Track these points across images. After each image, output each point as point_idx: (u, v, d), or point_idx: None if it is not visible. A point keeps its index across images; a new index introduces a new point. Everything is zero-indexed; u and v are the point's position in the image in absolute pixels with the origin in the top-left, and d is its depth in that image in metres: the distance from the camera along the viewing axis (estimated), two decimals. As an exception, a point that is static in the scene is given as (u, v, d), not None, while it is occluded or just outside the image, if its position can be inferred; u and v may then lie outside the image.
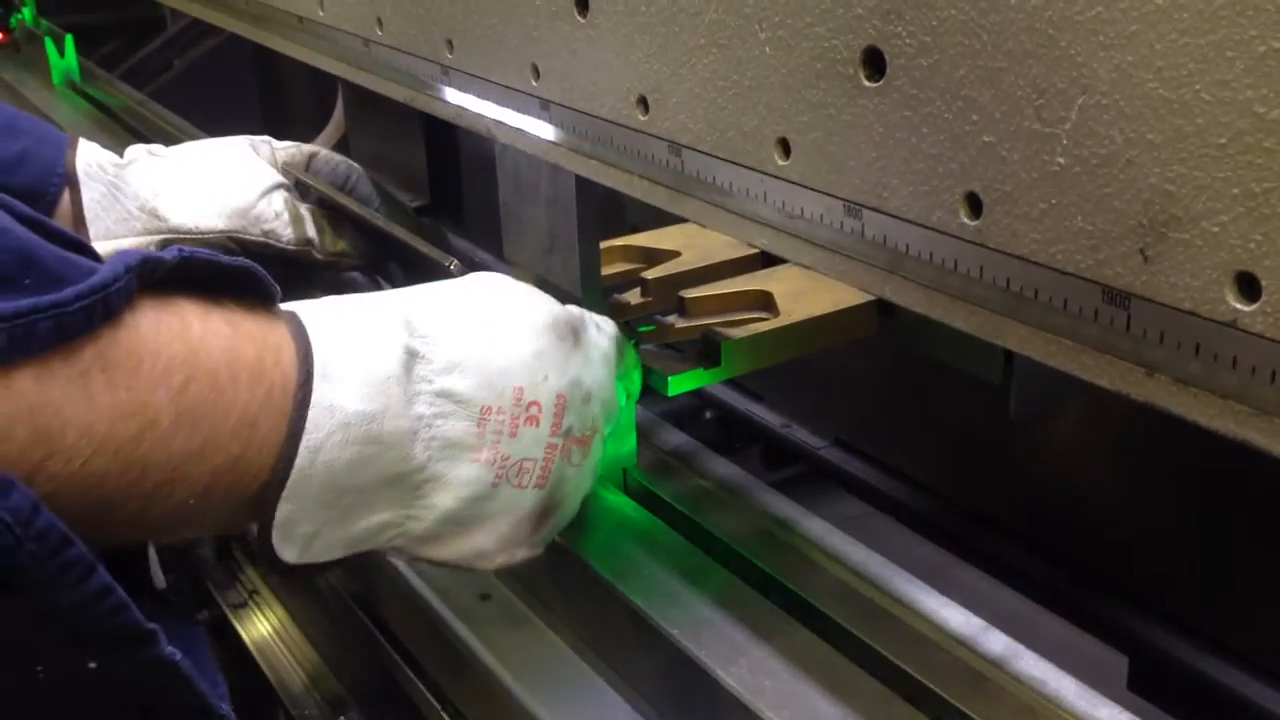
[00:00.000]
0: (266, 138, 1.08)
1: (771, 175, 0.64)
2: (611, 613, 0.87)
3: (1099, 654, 1.19)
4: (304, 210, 1.06)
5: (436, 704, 0.96)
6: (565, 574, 0.91)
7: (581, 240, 0.92)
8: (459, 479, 0.68)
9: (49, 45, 2.18)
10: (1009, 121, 0.53)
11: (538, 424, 0.70)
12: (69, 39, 2.19)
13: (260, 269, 0.67)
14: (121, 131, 2.03)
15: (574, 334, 0.74)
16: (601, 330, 0.77)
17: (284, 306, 0.68)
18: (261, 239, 1.03)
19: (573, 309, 0.76)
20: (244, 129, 1.29)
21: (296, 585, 1.22)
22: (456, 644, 0.92)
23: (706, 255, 1.07)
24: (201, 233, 1.01)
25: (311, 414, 0.63)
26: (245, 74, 2.76)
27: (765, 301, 0.96)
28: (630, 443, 0.99)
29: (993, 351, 0.87)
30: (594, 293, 0.94)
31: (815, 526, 0.91)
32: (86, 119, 2.09)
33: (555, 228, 0.94)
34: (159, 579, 1.32)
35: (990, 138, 0.54)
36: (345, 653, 1.19)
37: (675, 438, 1.05)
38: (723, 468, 1.00)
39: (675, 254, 1.08)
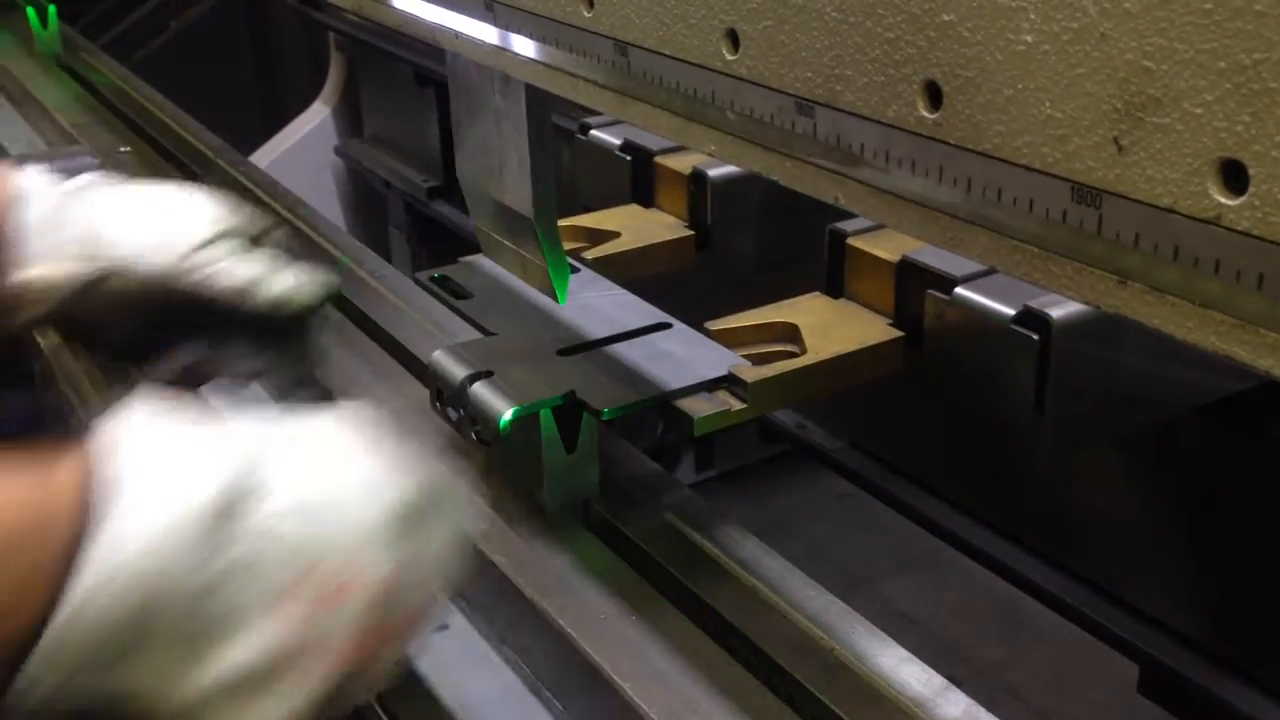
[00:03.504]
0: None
1: (720, 72, 0.62)
2: (565, 658, 0.87)
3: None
4: (252, 255, 1.07)
5: None
6: (522, 612, 0.91)
7: (533, 154, 0.90)
8: (249, 641, 0.64)
9: (31, 15, 2.17)
10: (971, -5, 0.49)
11: (346, 604, 0.66)
12: (51, 9, 2.17)
13: (55, 421, 0.64)
14: (104, 111, 2.01)
15: (420, 520, 0.70)
16: (448, 516, 0.73)
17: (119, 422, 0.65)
18: (192, 288, 1.03)
19: (431, 485, 0.72)
20: (239, 95, 1.27)
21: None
22: (411, 675, 0.90)
23: (644, 237, 1.17)
24: (137, 271, 1.02)
25: (86, 571, 0.60)
26: (240, 38, 2.77)
27: (790, 334, 1.00)
28: (593, 473, 0.99)
29: (1022, 393, 0.90)
30: (545, 210, 0.93)
31: (777, 567, 0.91)
32: (69, 97, 2.07)
33: (505, 145, 0.93)
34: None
35: (950, 16, 0.51)
36: None
37: (641, 464, 1.04)
38: (689, 499, 1.00)
39: (615, 235, 1.16)
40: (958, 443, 1.31)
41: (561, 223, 1.16)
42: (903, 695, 0.78)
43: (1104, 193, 0.47)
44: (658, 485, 1.01)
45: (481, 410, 0.94)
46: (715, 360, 0.95)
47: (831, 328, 0.99)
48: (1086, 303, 0.50)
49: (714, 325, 1.00)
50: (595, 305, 1.06)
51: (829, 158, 0.58)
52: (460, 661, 0.92)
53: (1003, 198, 0.51)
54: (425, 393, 1.06)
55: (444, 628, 0.95)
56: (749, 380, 0.91)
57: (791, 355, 0.98)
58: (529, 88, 0.85)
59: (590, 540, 0.96)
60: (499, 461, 1.01)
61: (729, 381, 0.93)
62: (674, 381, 0.93)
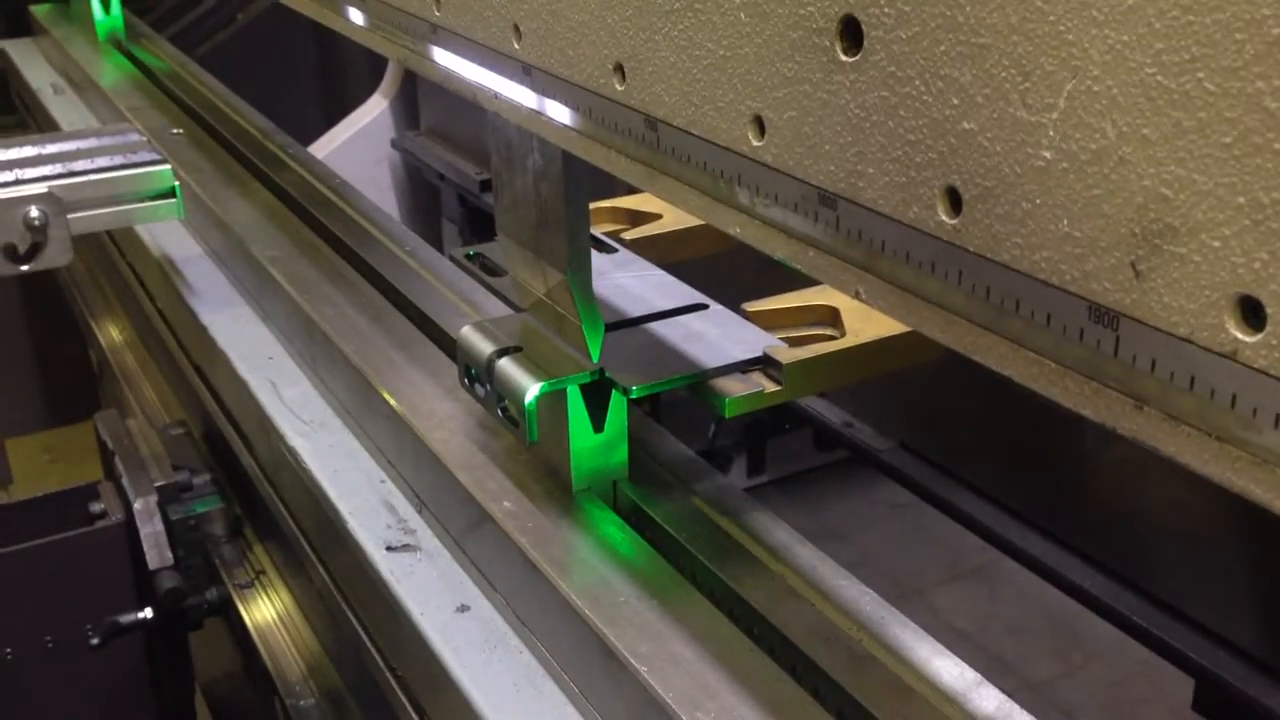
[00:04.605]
0: None
1: (746, 156, 0.62)
2: (583, 640, 0.85)
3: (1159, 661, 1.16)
4: None
5: (414, 713, 0.99)
6: (543, 593, 0.90)
7: (569, 215, 0.90)
8: None
9: (94, 1, 2.21)
10: (991, 107, 0.49)
11: None
12: (114, -5, 2.22)
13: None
14: (160, 95, 2.05)
15: None
16: None
17: None
18: None
19: None
20: (300, 87, 1.28)
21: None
22: (430, 656, 0.93)
23: (686, 219, 1.16)
24: None
25: None
26: (303, 32, 2.81)
27: (831, 317, 0.98)
28: (621, 454, 0.97)
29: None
30: (580, 269, 0.93)
31: (808, 555, 0.88)
32: (128, 81, 2.11)
33: (544, 201, 0.93)
34: (166, 556, 1.35)
35: (971, 125, 0.50)
36: (342, 648, 1.22)
37: (672, 447, 1.03)
38: (720, 485, 0.98)
39: (657, 216, 1.16)
40: (1002, 435, 1.30)
41: (602, 204, 1.18)
42: (933, 689, 0.76)
43: (1121, 315, 0.46)
44: (689, 470, 0.99)
45: (508, 386, 0.92)
46: (752, 341, 0.93)
47: (873, 311, 0.95)
48: (1103, 423, 0.50)
49: (751, 306, 0.99)
50: (631, 286, 1.04)
51: (851, 251, 0.58)
52: (480, 642, 0.93)
53: (1020, 309, 0.50)
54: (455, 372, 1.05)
55: (465, 609, 0.96)
56: (784, 362, 0.90)
57: (831, 339, 0.95)
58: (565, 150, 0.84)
59: (616, 523, 0.94)
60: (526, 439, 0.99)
61: (764, 363, 0.91)
62: (708, 361, 0.91)
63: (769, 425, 1.87)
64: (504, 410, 0.94)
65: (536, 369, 0.92)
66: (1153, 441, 0.48)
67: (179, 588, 1.37)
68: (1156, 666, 1.27)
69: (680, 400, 1.69)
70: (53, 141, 1.48)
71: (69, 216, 1.35)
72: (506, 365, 0.93)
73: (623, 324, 0.98)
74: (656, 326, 0.98)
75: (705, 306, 1.01)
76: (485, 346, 0.96)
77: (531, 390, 0.90)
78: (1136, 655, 1.34)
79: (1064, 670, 2.08)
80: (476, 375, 0.97)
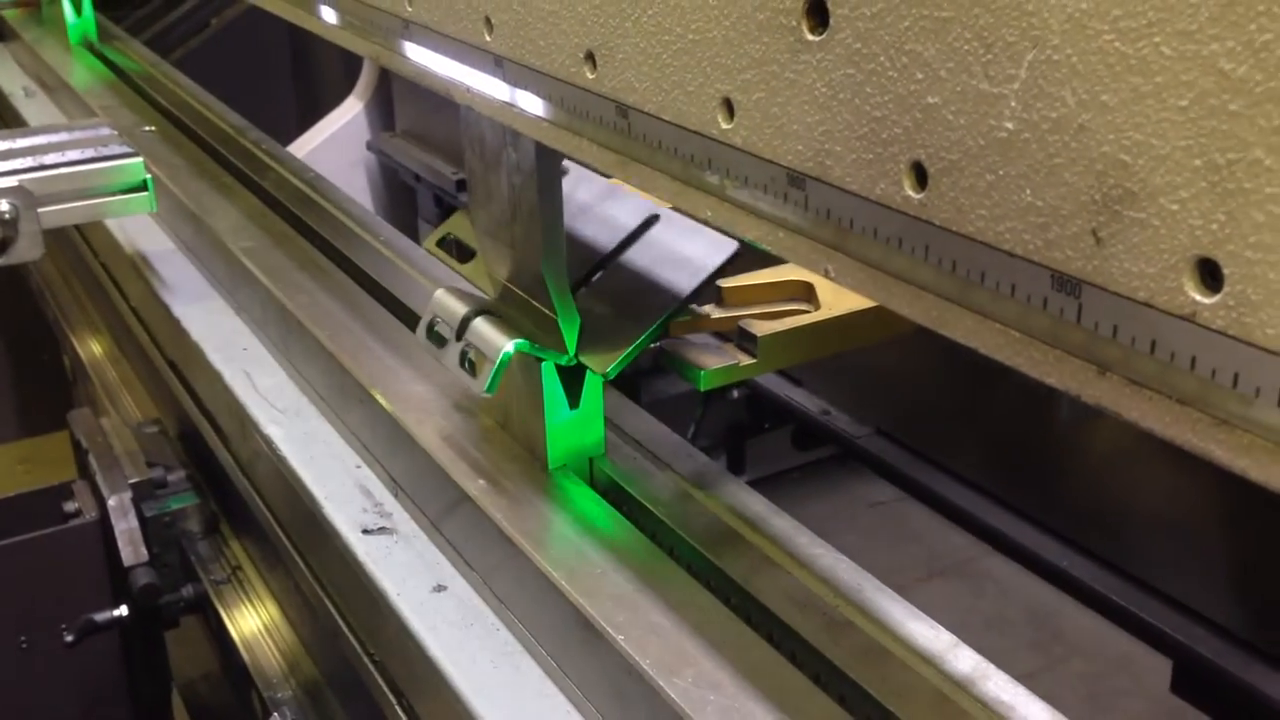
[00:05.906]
0: None
1: (715, 140, 0.63)
2: (559, 612, 0.86)
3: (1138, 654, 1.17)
4: None
5: (391, 696, 0.98)
6: (518, 568, 0.91)
7: (542, 208, 0.91)
8: None
9: (66, 4, 2.21)
10: (955, 80, 0.50)
11: None
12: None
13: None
14: (133, 94, 2.05)
15: None
16: None
17: None
18: None
19: None
20: (275, 91, 1.29)
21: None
22: (407, 636, 0.93)
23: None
24: None
25: None
26: (278, 35, 2.82)
27: (806, 292, 0.98)
28: (597, 430, 0.98)
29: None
30: (555, 263, 0.93)
31: (783, 526, 0.89)
32: (100, 82, 2.11)
33: (517, 195, 0.93)
34: (141, 553, 1.35)
35: (935, 99, 0.51)
36: (320, 638, 1.22)
37: (649, 426, 1.03)
38: (696, 461, 0.99)
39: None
40: (975, 419, 1.31)
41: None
42: (910, 651, 0.77)
43: (1083, 283, 0.47)
44: (665, 447, 1.00)
45: (483, 342, 0.92)
46: (710, 251, 0.93)
47: (848, 286, 0.97)
48: (1067, 390, 0.51)
49: (726, 283, 0.98)
50: (589, 206, 1.03)
51: (820, 230, 0.58)
52: (457, 621, 0.93)
53: (985, 281, 0.51)
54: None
55: (442, 589, 0.96)
56: (759, 335, 0.91)
57: (806, 314, 0.96)
58: (539, 142, 0.84)
59: (592, 498, 0.95)
60: (501, 417, 0.99)
61: (738, 335, 0.92)
62: (681, 286, 0.91)
63: (748, 426, 1.88)
64: (463, 356, 0.95)
65: (512, 330, 0.92)
66: (1116, 407, 0.49)
67: (154, 584, 1.37)
68: (1136, 659, 1.27)
69: (659, 400, 1.70)
70: (24, 135, 1.48)
71: (40, 210, 1.35)
72: (481, 324, 0.94)
73: (589, 274, 0.98)
74: (622, 263, 0.97)
75: (658, 218, 1.00)
76: (459, 308, 0.96)
77: (506, 346, 0.90)
78: (1116, 648, 1.34)
79: (1044, 664, 2.09)
80: (438, 332, 0.98)
